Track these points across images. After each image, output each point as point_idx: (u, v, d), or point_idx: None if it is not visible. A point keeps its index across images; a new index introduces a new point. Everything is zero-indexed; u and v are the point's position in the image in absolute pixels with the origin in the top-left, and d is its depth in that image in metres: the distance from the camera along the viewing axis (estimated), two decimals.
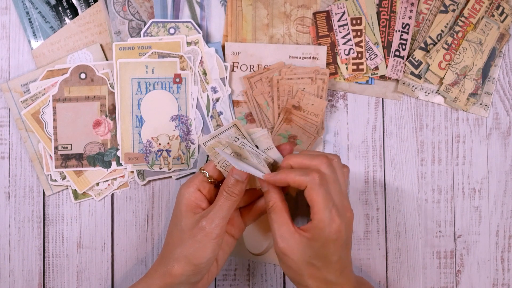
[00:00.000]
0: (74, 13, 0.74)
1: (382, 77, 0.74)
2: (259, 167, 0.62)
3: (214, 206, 0.62)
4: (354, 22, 0.73)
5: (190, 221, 0.62)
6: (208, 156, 0.71)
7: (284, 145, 0.65)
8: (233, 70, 0.73)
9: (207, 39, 0.74)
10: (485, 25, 0.73)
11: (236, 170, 0.62)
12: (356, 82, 0.74)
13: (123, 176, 0.73)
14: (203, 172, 0.64)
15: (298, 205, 0.73)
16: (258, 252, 0.72)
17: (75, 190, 0.73)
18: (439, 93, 0.74)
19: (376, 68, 0.74)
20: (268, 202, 0.62)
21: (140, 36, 0.72)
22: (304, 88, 0.71)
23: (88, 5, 0.74)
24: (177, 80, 0.72)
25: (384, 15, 0.74)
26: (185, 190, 0.63)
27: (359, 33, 0.73)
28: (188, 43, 0.72)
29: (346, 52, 0.73)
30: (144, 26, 0.73)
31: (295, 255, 0.60)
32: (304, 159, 0.62)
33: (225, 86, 0.72)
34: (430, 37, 0.74)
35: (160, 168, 0.72)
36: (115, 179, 0.73)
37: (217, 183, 0.65)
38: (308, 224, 0.60)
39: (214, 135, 0.64)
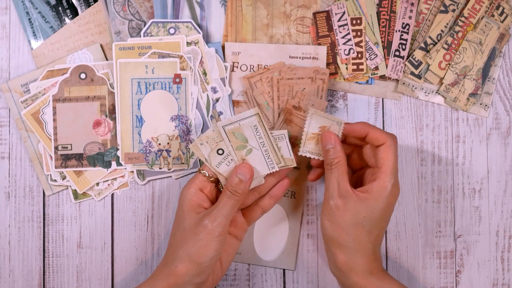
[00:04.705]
0: (74, 13, 0.74)
1: (382, 77, 0.74)
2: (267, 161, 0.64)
3: (217, 205, 0.62)
4: (354, 22, 0.73)
5: (193, 221, 0.62)
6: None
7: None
8: (233, 70, 0.73)
9: (207, 39, 0.74)
10: (485, 25, 0.73)
11: (240, 169, 0.62)
12: (356, 82, 0.74)
13: (123, 176, 0.73)
14: (203, 172, 0.64)
15: (308, 193, 0.73)
16: (271, 258, 0.72)
17: (75, 190, 0.73)
18: (439, 93, 0.74)
19: (376, 68, 0.74)
20: (333, 158, 0.64)
21: (140, 36, 0.72)
22: (304, 88, 0.71)
23: (88, 5, 0.74)
24: (177, 80, 0.72)
25: (384, 15, 0.74)
26: (186, 191, 0.64)
27: (359, 33, 0.73)
28: (188, 43, 0.72)
29: (346, 52, 0.73)
30: (144, 26, 0.73)
31: (350, 212, 0.62)
32: (380, 132, 0.65)
33: (225, 86, 0.72)
34: (430, 37, 0.74)
35: (160, 168, 0.72)
36: (115, 179, 0.73)
37: (218, 181, 0.65)
38: (369, 184, 0.63)
39: (234, 121, 0.64)
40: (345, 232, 0.63)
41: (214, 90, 0.72)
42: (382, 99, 0.74)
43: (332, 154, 0.64)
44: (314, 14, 0.73)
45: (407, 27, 0.73)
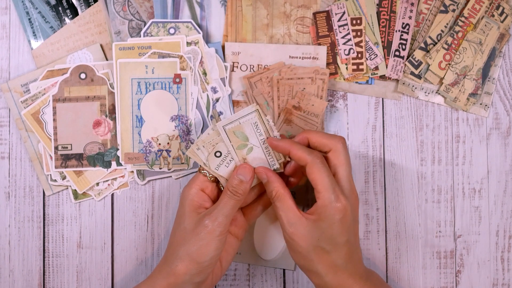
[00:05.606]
0: (74, 13, 0.74)
1: (382, 77, 0.74)
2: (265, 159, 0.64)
3: (218, 204, 0.62)
4: (354, 22, 0.73)
5: (194, 220, 0.62)
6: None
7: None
8: (233, 70, 0.73)
9: (207, 39, 0.74)
10: (485, 25, 0.73)
11: (241, 170, 0.63)
12: (356, 82, 0.74)
13: (123, 176, 0.73)
14: (203, 172, 0.64)
15: (308, 193, 0.73)
16: (271, 258, 0.72)
17: (75, 190, 0.73)
18: (439, 93, 0.74)
19: (376, 68, 0.74)
20: (270, 192, 0.62)
21: (140, 36, 0.72)
22: (304, 89, 0.71)
23: (88, 5, 0.74)
24: (177, 80, 0.72)
25: (384, 15, 0.74)
26: (187, 191, 0.64)
27: (359, 33, 0.73)
28: (188, 43, 0.72)
29: (346, 52, 0.73)
30: (144, 26, 0.73)
31: (303, 239, 0.61)
32: (322, 136, 0.63)
33: (225, 86, 0.72)
34: (430, 37, 0.74)
35: (160, 168, 0.72)
36: (115, 179, 0.73)
37: (218, 180, 0.65)
38: (314, 206, 0.61)
39: (234, 119, 0.64)
40: (308, 258, 0.61)
41: (214, 90, 0.72)
42: (382, 99, 0.74)
43: (268, 188, 0.63)
44: (314, 14, 0.74)
45: (407, 27, 0.73)
